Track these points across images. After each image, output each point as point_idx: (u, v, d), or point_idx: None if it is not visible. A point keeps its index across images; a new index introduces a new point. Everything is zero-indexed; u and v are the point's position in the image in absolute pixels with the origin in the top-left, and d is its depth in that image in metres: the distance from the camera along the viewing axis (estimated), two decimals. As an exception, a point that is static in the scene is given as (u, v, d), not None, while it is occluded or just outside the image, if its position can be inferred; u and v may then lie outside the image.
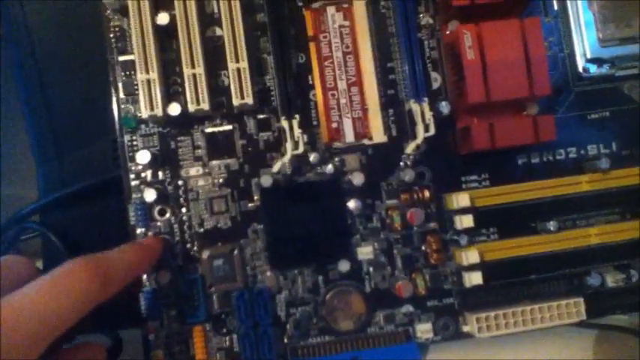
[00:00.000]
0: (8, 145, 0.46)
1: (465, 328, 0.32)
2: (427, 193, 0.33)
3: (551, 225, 0.32)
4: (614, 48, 0.34)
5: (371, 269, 0.33)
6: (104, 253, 0.26)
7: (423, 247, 0.33)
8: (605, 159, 0.33)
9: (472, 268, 0.32)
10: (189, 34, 0.31)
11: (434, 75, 0.33)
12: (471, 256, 0.31)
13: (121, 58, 0.32)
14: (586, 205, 0.33)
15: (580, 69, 0.34)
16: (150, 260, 0.29)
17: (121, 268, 0.26)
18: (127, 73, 0.32)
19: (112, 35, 0.32)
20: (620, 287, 0.33)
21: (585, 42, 0.34)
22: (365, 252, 0.32)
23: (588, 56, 0.34)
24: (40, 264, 0.37)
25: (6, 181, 0.46)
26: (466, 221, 0.32)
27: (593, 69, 0.34)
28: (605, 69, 0.34)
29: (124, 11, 0.32)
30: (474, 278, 0.32)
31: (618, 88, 0.35)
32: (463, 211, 0.32)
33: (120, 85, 0.32)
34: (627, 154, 0.34)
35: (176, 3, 0.31)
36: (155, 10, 0.32)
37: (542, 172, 0.34)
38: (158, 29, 0.32)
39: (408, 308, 0.33)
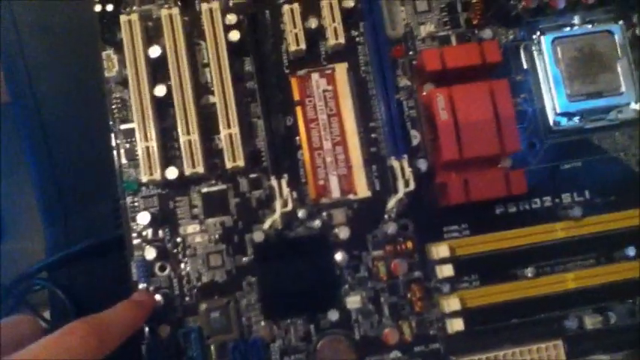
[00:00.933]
0: (10, 202, 0.49)
1: (451, 373, 0.34)
2: (410, 245, 0.35)
3: (529, 272, 0.34)
4: (582, 102, 0.36)
5: (360, 317, 0.34)
6: (100, 314, 0.28)
7: (409, 295, 0.35)
8: (577, 207, 0.35)
9: (454, 315, 0.33)
10: (184, 103, 0.34)
11: (413, 132, 0.36)
12: (452, 303, 0.33)
13: (123, 127, 0.35)
14: (562, 251, 0.35)
15: (551, 123, 0.36)
16: (143, 315, 0.32)
17: (116, 326, 0.28)
18: (128, 139, 0.35)
19: (114, 106, 0.35)
20: (599, 329, 0.35)
21: (554, 97, 0.36)
22: (353, 301, 0.34)
23: (558, 111, 0.36)
24: (47, 314, 0.39)
25: (10, 236, 0.49)
26: (446, 271, 0.34)
27: (564, 122, 0.36)
28: (574, 122, 0.36)
29: (124, 83, 0.35)
30: (456, 325, 0.33)
31: (588, 139, 0.37)
32: (443, 261, 0.34)
33: (122, 151, 0.35)
34: (600, 201, 0.36)
35: (172, 75, 0.34)
36: (153, 81, 0.35)
37: (520, 220, 0.35)
38: (156, 99, 0.34)
39: (397, 354, 0.34)
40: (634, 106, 0.36)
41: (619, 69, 0.36)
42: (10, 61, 0.39)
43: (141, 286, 0.34)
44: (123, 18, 0.34)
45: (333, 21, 0.35)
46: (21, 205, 0.46)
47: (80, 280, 0.37)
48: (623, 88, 0.36)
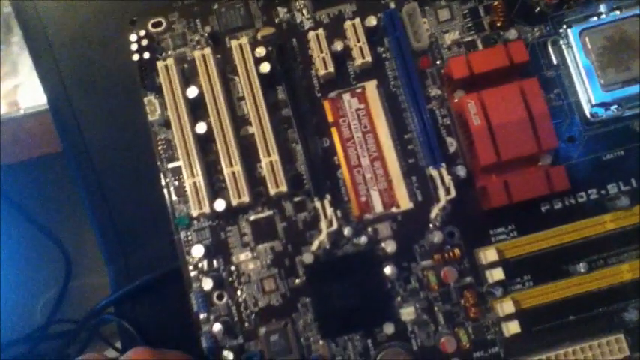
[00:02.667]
0: (76, 243, 0.52)
1: (513, 375, 0.34)
2: (457, 252, 0.35)
3: (582, 267, 0.34)
4: (618, 91, 0.35)
5: (415, 328, 0.35)
6: (159, 349, 0.31)
7: (462, 302, 0.35)
8: (625, 197, 0.34)
9: (509, 317, 0.33)
10: (224, 137, 0.35)
11: (449, 140, 0.36)
12: (506, 306, 0.33)
13: (170, 166, 0.37)
14: (614, 243, 0.35)
15: (588, 115, 0.36)
16: None
17: None
18: (176, 177, 0.37)
19: (159, 147, 0.37)
20: (662, 318, 0.34)
21: (588, 89, 0.36)
22: (407, 312, 0.35)
23: (593, 102, 0.36)
24: (119, 344, 0.42)
25: (78, 274, 0.52)
26: (497, 274, 0.34)
27: (601, 112, 0.36)
28: (612, 111, 0.36)
29: (167, 125, 0.37)
30: (512, 327, 0.33)
31: (629, 126, 0.36)
32: (492, 265, 0.34)
33: (171, 189, 0.37)
34: (648, 188, 0.35)
35: (211, 112, 0.36)
36: (194, 120, 0.36)
37: (567, 216, 0.35)
38: (198, 137, 0.36)
39: (456, 361, 0.34)
40: (673, 87, 0.35)
41: (653, 52, 0.35)
42: (60, 113, 0.41)
43: (202, 315, 0.36)
44: (160, 64, 0.36)
45: (358, 41, 0.36)
46: (85, 244, 0.49)
47: (145, 311, 0.39)
48: (659, 71, 0.35)
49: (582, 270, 0.34)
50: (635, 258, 0.34)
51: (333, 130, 0.36)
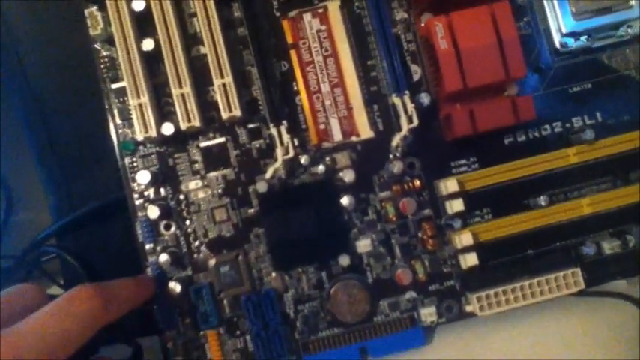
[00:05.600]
0: (16, 175, 0.49)
1: (468, 308, 0.33)
2: (418, 183, 0.34)
3: (542, 200, 0.33)
4: (589, 20, 0.34)
5: (371, 260, 0.34)
6: (106, 282, 0.28)
7: (420, 234, 0.34)
8: (589, 130, 0.33)
9: (467, 250, 0.33)
10: (174, 56, 0.33)
11: (414, 67, 0.34)
12: (465, 238, 0.32)
13: (114, 86, 0.34)
14: (576, 177, 0.34)
15: (557, 44, 0.35)
16: (145, 295, 0.31)
17: (120, 294, 0.28)
18: (121, 99, 0.34)
19: (102, 66, 0.34)
20: (618, 253, 0.34)
21: (559, 17, 0.34)
22: (364, 245, 0.34)
23: (564, 31, 0.34)
24: (62, 280, 0.39)
25: (19, 209, 0.49)
26: (456, 206, 0.33)
27: (571, 43, 0.34)
28: (581, 42, 0.34)
29: (111, 41, 0.34)
30: (470, 259, 0.33)
31: (597, 59, 0.35)
32: (453, 196, 0.33)
33: (115, 111, 0.34)
34: (613, 122, 0.35)
35: (159, 28, 0.33)
36: (140, 37, 0.33)
37: (530, 149, 0.34)
38: (144, 55, 0.33)
39: (411, 294, 0.34)
40: (645, 19, 0.34)
41: (627, -19, 0.34)
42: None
43: (148, 246, 0.34)
44: (102, -29, 0.33)
45: (321, -45, 0.33)
46: (27, 177, 0.46)
47: (88, 244, 0.37)
48: (632, 1, 0.34)
49: (543, 204, 0.33)
50: (596, 192, 0.34)
51: (292, 53, 0.34)
